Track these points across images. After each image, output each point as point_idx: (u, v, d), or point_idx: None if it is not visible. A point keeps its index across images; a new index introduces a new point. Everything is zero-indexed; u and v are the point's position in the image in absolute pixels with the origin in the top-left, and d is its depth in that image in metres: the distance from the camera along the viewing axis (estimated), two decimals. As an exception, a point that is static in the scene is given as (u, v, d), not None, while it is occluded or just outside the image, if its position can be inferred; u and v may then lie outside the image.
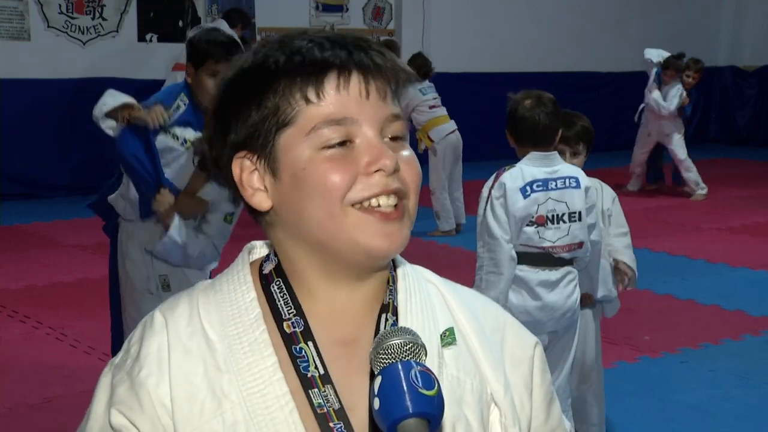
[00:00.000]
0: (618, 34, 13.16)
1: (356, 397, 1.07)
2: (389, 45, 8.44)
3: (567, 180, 3.34)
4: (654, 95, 9.38)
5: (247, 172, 1.10)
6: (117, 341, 3.75)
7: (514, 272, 3.31)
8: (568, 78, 12.44)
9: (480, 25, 11.99)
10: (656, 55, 9.54)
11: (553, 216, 3.30)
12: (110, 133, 3.46)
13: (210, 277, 1.48)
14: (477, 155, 9.54)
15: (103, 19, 9.79)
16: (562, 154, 3.50)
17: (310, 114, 1.05)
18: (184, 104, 3.47)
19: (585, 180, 3.39)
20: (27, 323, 5.37)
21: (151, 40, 10.10)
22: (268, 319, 1.10)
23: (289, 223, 1.09)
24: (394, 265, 1.17)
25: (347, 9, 11.48)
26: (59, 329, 5.23)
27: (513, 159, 3.44)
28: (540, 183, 3.31)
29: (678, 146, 9.65)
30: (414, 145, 7.98)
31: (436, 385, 0.96)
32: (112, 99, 3.48)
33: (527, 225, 3.30)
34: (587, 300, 3.54)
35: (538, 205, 3.29)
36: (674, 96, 9.38)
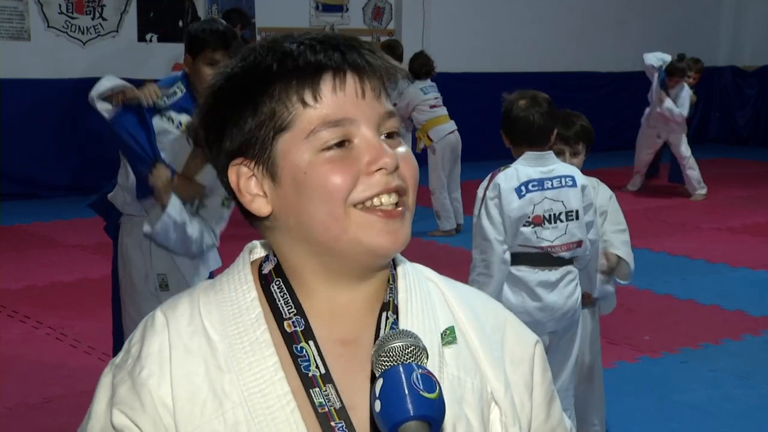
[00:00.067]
0: (618, 34, 13.17)
1: (357, 397, 1.07)
2: (392, 45, 8.45)
3: (563, 179, 3.34)
4: (666, 104, 9.38)
5: (245, 179, 1.09)
6: (118, 342, 3.75)
7: (505, 275, 3.31)
8: (568, 78, 12.45)
9: (480, 25, 11.99)
10: (656, 59, 9.53)
11: (550, 215, 3.30)
12: (105, 115, 3.45)
13: (211, 277, 1.48)
14: (477, 155, 9.54)
15: (103, 19, 9.79)
16: (561, 153, 3.50)
17: (308, 117, 1.05)
18: (181, 91, 3.50)
19: (581, 178, 3.40)
20: (27, 323, 5.37)
21: (151, 40, 10.10)
22: (268, 319, 1.10)
23: (289, 227, 1.09)
24: (394, 264, 1.18)
25: (347, 9, 11.48)
26: (59, 329, 5.23)
27: (513, 159, 3.44)
28: (535, 183, 3.31)
29: (683, 144, 9.69)
30: (414, 144, 7.99)
31: (438, 388, 0.97)
32: (109, 82, 3.49)
33: (524, 225, 3.30)
34: (586, 299, 3.54)
35: (534, 205, 3.29)
36: (685, 99, 9.42)
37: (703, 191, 9.72)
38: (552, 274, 3.34)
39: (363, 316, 1.12)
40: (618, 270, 3.63)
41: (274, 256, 1.14)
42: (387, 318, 1.12)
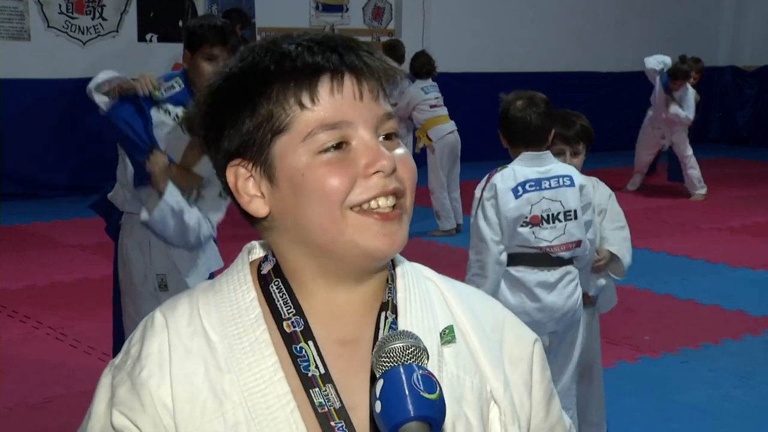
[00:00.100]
0: (618, 34, 13.17)
1: (357, 397, 1.08)
2: (394, 45, 8.43)
3: (561, 179, 3.34)
4: (673, 110, 9.39)
5: (242, 180, 1.09)
6: (118, 342, 3.76)
7: (501, 276, 3.30)
8: (568, 78, 12.45)
9: (480, 25, 11.99)
10: (656, 62, 9.52)
11: (548, 215, 3.30)
12: (102, 107, 3.49)
13: (212, 278, 1.48)
14: (477, 155, 9.54)
15: (103, 19, 9.79)
16: (562, 153, 3.50)
17: (306, 119, 1.05)
18: (179, 86, 3.53)
19: (579, 178, 3.39)
20: (27, 323, 5.37)
21: (151, 40, 10.10)
22: (267, 319, 1.10)
23: (287, 228, 1.09)
24: (392, 264, 1.17)
25: (347, 9, 11.48)
26: (59, 329, 5.23)
27: (511, 159, 3.44)
28: (533, 183, 3.31)
29: (684, 143, 9.70)
30: (414, 143, 7.99)
31: (438, 389, 0.97)
32: (106, 75, 3.53)
33: (521, 226, 3.29)
34: (586, 299, 3.53)
35: (532, 205, 3.29)
36: (691, 101, 9.43)
37: (703, 191, 9.72)
38: (551, 275, 3.34)
39: (362, 316, 1.12)
40: (612, 266, 3.62)
41: (273, 256, 1.14)
42: (386, 318, 1.12)
